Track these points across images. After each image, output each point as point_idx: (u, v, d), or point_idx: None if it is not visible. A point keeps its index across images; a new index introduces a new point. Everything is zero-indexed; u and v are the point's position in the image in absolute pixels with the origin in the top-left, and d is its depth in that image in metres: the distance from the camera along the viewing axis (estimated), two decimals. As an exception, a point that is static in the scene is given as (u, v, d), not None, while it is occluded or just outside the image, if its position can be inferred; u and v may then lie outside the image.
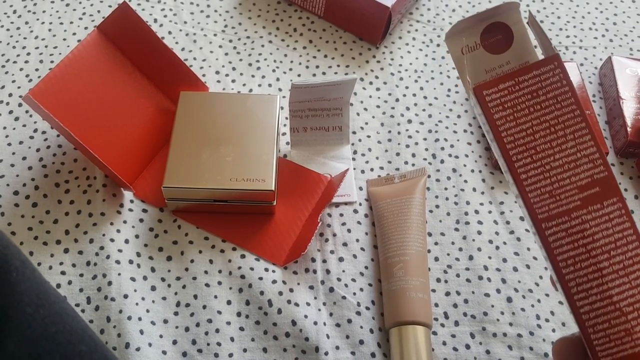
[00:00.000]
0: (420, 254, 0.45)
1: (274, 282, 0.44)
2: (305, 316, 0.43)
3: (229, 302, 0.44)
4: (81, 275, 0.44)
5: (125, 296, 0.42)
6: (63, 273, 0.44)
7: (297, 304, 0.43)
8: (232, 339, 0.42)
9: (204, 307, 0.43)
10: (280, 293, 0.44)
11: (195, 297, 0.44)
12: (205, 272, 0.45)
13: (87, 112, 0.46)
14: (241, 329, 0.43)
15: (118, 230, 0.45)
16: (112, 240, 0.45)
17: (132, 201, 0.47)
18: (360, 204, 0.49)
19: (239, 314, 0.43)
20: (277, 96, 0.50)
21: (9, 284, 0.27)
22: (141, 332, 0.41)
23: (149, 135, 0.50)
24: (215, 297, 0.44)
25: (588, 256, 0.27)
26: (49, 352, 0.28)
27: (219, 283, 0.44)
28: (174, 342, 0.42)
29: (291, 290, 0.44)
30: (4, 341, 0.26)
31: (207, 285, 0.44)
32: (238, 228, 0.47)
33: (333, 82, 0.47)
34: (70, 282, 0.43)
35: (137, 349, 0.40)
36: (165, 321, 0.42)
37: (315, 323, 0.43)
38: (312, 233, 0.45)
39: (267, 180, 0.46)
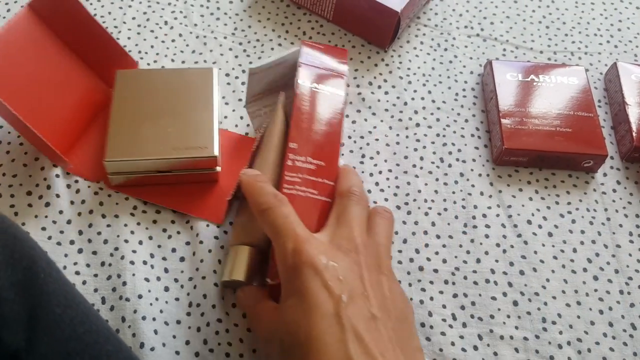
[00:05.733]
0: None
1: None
2: None
3: (234, 305, 0.44)
4: (95, 275, 0.44)
5: (140, 296, 0.43)
6: (77, 273, 0.44)
7: None
8: (241, 340, 0.43)
9: (213, 306, 0.44)
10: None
11: (205, 296, 0.44)
12: (214, 271, 0.45)
13: (15, 89, 0.45)
14: (249, 330, 0.43)
15: (132, 232, 0.46)
16: (126, 241, 0.45)
17: (145, 203, 0.48)
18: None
19: (244, 315, 0.44)
20: (212, 68, 0.51)
21: (37, 284, 0.28)
22: (155, 332, 0.42)
23: (78, 114, 0.50)
24: (223, 298, 0.44)
25: None
26: (78, 352, 0.28)
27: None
28: (187, 343, 0.42)
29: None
30: (35, 342, 0.27)
31: (215, 285, 0.45)
32: (183, 196, 0.48)
33: (283, 56, 0.48)
34: (84, 282, 0.44)
35: (152, 349, 0.41)
36: (178, 322, 0.43)
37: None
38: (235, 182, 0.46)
39: (210, 147, 0.47)
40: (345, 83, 0.48)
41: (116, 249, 0.45)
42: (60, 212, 0.47)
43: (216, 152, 0.46)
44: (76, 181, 0.48)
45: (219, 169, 0.48)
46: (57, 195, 0.48)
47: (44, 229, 0.46)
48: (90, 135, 0.51)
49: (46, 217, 0.47)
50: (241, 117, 0.54)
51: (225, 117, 0.54)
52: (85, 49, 0.51)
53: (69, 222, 0.46)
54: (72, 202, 0.47)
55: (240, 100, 0.55)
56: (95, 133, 0.51)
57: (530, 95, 0.54)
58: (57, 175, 0.48)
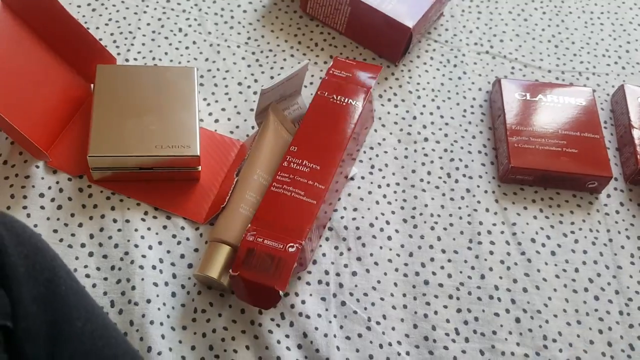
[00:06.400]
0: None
1: (287, 294, 0.46)
2: (316, 328, 0.44)
3: (242, 311, 0.45)
4: (105, 278, 0.45)
5: (148, 301, 0.43)
6: (87, 276, 0.45)
7: (308, 316, 0.45)
8: (247, 348, 0.43)
9: (220, 315, 0.44)
10: (293, 306, 0.45)
11: (211, 304, 0.45)
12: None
13: None
14: (255, 337, 0.44)
15: (142, 237, 0.47)
16: (136, 246, 0.46)
17: (156, 209, 0.49)
18: (376, 218, 0.50)
19: (252, 322, 0.44)
20: (194, 68, 0.52)
21: (59, 297, 0.28)
22: (162, 336, 0.42)
23: (59, 109, 0.51)
24: (230, 306, 0.45)
25: None
26: None
27: (233, 292, 0.45)
28: (193, 348, 0.43)
29: (303, 302, 0.46)
30: (57, 356, 0.27)
31: (221, 295, 0.45)
32: (162, 193, 0.49)
33: (292, 73, 0.50)
34: (94, 285, 0.44)
35: (159, 353, 0.41)
36: (184, 327, 0.44)
37: (326, 335, 0.44)
38: (227, 188, 0.47)
39: (192, 147, 0.48)
40: (368, 97, 0.49)
41: (126, 253, 0.46)
42: (72, 215, 0.48)
43: (198, 151, 0.47)
44: (89, 186, 0.49)
45: (200, 168, 0.49)
46: (69, 199, 0.48)
47: (55, 231, 0.47)
48: (71, 130, 0.51)
49: (58, 219, 0.47)
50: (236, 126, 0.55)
51: (237, 126, 0.55)
52: (63, 44, 0.51)
53: (80, 225, 0.47)
54: (83, 206, 0.48)
55: (252, 110, 0.55)
56: (76, 127, 0.51)
57: (538, 115, 0.55)
58: (69, 179, 0.49)
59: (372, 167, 0.54)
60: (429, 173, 0.54)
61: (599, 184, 0.53)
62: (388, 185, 0.53)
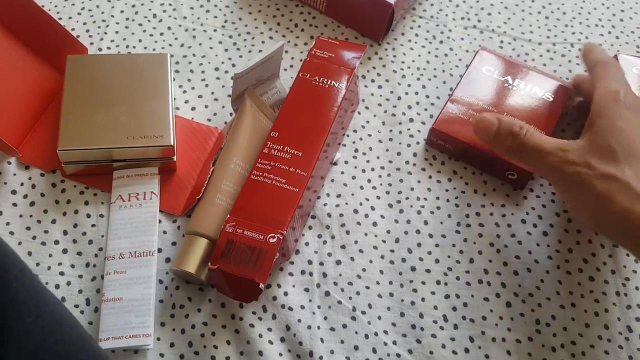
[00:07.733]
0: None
1: (269, 286, 0.44)
2: (299, 320, 0.43)
3: (222, 305, 0.43)
4: (80, 276, 0.44)
5: (123, 299, 0.42)
6: (62, 274, 0.44)
7: (291, 308, 0.43)
8: (228, 342, 0.42)
9: (199, 310, 0.43)
10: (275, 298, 0.44)
11: (190, 299, 0.44)
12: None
13: None
14: (236, 331, 0.43)
15: (116, 232, 0.45)
16: (109, 242, 0.45)
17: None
18: (361, 204, 0.49)
19: (232, 317, 0.43)
20: (166, 54, 0.51)
21: (8, 293, 0.27)
22: (138, 335, 0.41)
23: (30, 102, 0.49)
24: (210, 300, 0.44)
25: None
26: None
27: (212, 286, 0.44)
28: (172, 345, 0.42)
29: (286, 293, 0.44)
30: (3, 353, 0.26)
31: (200, 289, 0.44)
32: None
33: (267, 55, 0.48)
34: (69, 283, 0.43)
35: (135, 352, 0.40)
36: (163, 324, 0.42)
37: (309, 327, 0.43)
38: (205, 178, 0.45)
39: (165, 136, 0.46)
40: (352, 78, 0.47)
41: (100, 249, 0.44)
42: (45, 211, 0.46)
43: (172, 141, 0.46)
44: (62, 181, 0.48)
45: (175, 158, 0.47)
46: (42, 195, 0.47)
47: (28, 228, 0.45)
48: (43, 123, 0.50)
49: (31, 216, 0.46)
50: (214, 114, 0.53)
51: (215, 114, 0.53)
52: (32, 36, 0.49)
53: (53, 221, 0.46)
54: (57, 202, 0.47)
55: (229, 96, 0.54)
56: (48, 121, 0.50)
57: (494, 95, 0.51)
58: (42, 175, 0.48)
59: (356, 150, 0.52)
60: (414, 155, 0.52)
61: (519, 177, 0.48)
62: (372, 169, 0.51)
